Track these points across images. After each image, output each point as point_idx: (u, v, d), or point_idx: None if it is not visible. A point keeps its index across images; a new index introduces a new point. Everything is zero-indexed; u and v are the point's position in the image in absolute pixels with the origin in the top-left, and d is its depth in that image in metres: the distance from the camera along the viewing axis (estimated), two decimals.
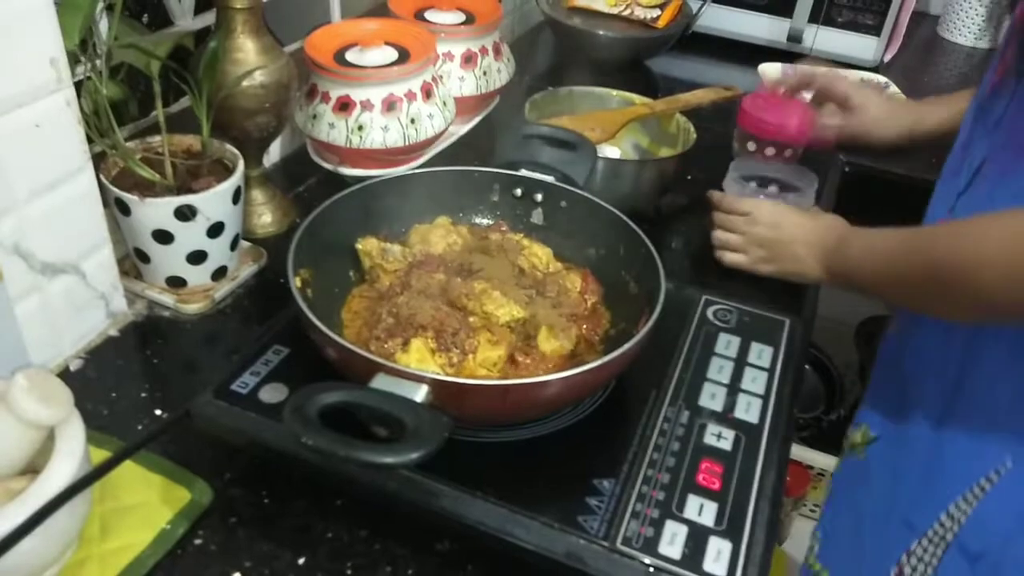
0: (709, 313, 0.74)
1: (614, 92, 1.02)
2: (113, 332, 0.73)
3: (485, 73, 1.05)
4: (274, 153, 0.98)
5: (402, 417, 0.49)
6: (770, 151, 1.01)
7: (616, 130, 0.96)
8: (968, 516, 0.64)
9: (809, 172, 0.94)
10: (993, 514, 0.63)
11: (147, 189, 0.71)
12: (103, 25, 0.70)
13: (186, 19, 0.86)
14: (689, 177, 1.00)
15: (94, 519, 0.56)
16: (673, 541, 0.54)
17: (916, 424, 0.71)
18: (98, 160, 0.68)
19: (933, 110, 0.97)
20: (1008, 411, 0.63)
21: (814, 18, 1.37)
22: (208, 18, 0.88)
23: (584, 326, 0.69)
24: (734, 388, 0.66)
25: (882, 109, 1.00)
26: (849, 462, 0.80)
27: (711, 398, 0.65)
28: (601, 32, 1.29)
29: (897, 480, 0.72)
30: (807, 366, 1.39)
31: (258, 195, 0.86)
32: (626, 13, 1.34)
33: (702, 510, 0.56)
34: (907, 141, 0.99)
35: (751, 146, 1.02)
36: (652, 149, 1.03)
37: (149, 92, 0.74)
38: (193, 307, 0.75)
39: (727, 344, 0.70)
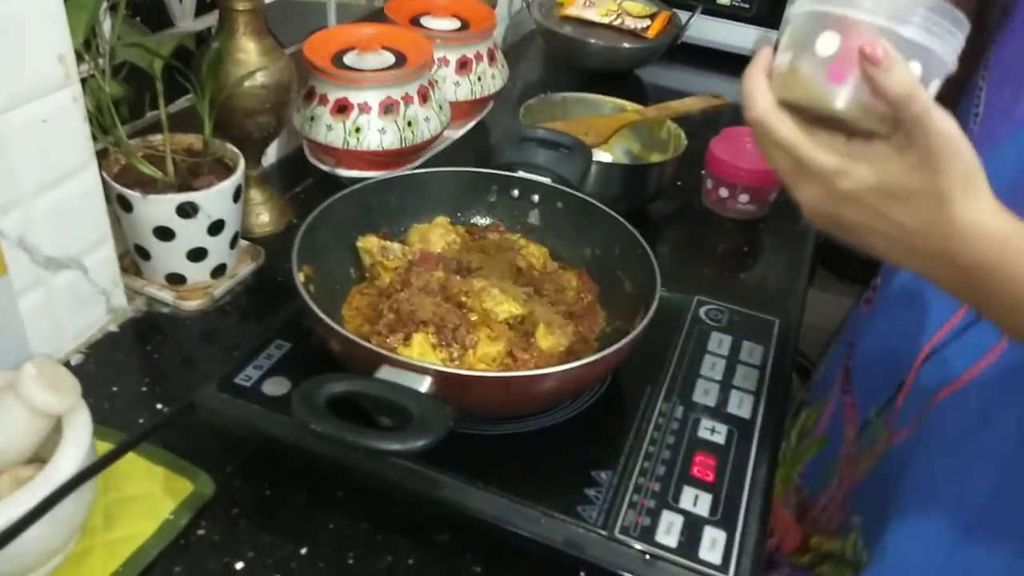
0: (701, 313, 0.76)
1: (606, 99, 1.04)
2: (113, 328, 0.73)
3: (480, 78, 1.07)
4: (271, 154, 0.99)
5: (407, 406, 0.50)
6: (744, 198, 0.97)
7: (609, 135, 0.98)
8: None
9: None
10: None
11: (149, 186, 0.72)
12: (106, 25, 0.71)
13: (187, 20, 0.87)
14: (679, 183, 1.02)
15: (98, 509, 0.56)
16: (669, 530, 0.55)
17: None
18: (100, 158, 0.69)
19: None
20: None
21: None
22: (208, 20, 0.89)
23: (580, 324, 0.70)
24: (727, 384, 0.68)
25: None
26: None
27: (704, 394, 0.66)
28: (592, 41, 1.31)
29: None
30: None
31: (256, 195, 0.87)
32: (617, 23, 1.36)
33: (697, 501, 0.57)
34: None
35: (723, 192, 0.98)
36: (643, 155, 1.05)
37: (143, 91, 0.74)
38: (192, 304, 0.76)
39: (719, 343, 0.72)
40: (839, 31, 0.46)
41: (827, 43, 0.47)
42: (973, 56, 0.62)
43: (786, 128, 0.48)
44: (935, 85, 0.47)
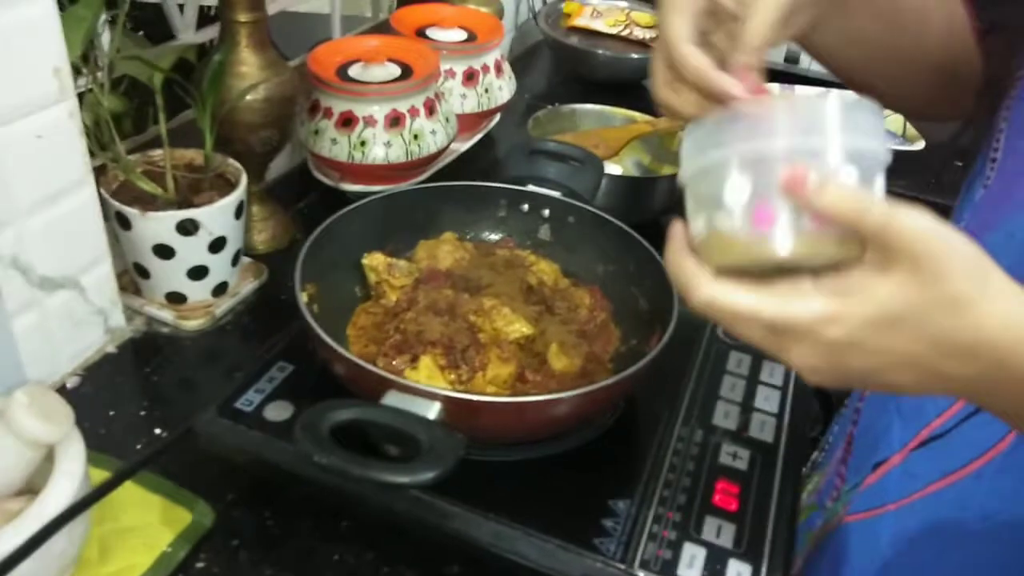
0: (719, 331, 0.73)
1: (616, 110, 1.02)
2: (111, 349, 0.71)
3: (487, 90, 1.05)
4: (274, 169, 0.97)
5: (416, 435, 0.48)
6: None
7: (619, 147, 0.96)
8: None
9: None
10: None
11: (148, 203, 0.70)
12: (105, 38, 0.69)
13: (188, 33, 0.85)
14: None
15: (92, 541, 0.54)
16: (692, 564, 0.52)
17: None
18: (98, 174, 0.67)
19: None
20: None
21: None
22: (210, 32, 0.87)
23: (594, 343, 0.68)
24: (747, 407, 0.65)
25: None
26: None
27: (724, 416, 0.64)
28: (600, 51, 1.29)
29: None
30: None
31: (258, 210, 0.85)
32: (625, 33, 1.34)
33: (720, 532, 0.55)
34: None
35: None
36: (654, 167, 1.02)
37: (143, 105, 0.73)
38: (193, 323, 0.74)
39: (738, 362, 0.69)
40: (745, 171, 0.38)
41: (737, 189, 0.39)
42: (994, 96, 0.57)
43: (741, 299, 0.39)
44: (880, 181, 0.39)
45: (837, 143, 0.38)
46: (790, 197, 0.37)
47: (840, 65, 0.62)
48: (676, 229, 0.42)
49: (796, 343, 0.39)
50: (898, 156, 1.28)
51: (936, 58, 0.62)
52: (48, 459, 0.50)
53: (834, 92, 0.40)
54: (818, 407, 1.72)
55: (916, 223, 0.36)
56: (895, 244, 0.36)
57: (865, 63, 0.62)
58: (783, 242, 0.38)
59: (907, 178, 1.13)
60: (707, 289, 0.40)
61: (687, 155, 0.41)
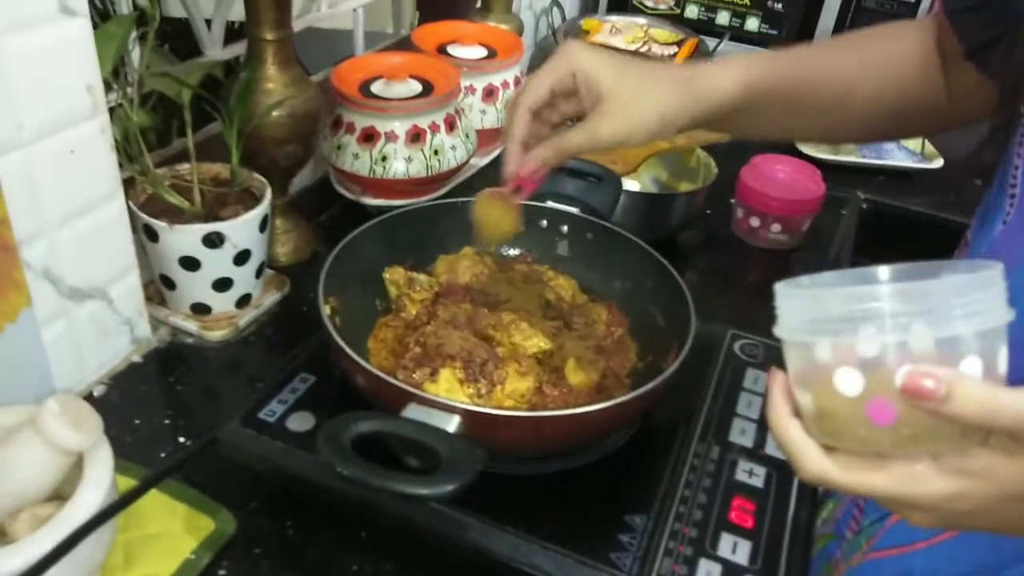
0: (736, 347, 0.73)
1: None
2: (137, 358, 0.72)
3: (506, 106, 1.06)
4: (297, 183, 0.98)
5: (436, 448, 0.49)
6: (776, 227, 0.95)
7: (638, 164, 0.97)
8: None
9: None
10: None
11: (175, 216, 0.71)
12: (135, 54, 0.71)
13: (215, 49, 0.87)
14: (709, 211, 1.01)
15: (118, 548, 0.55)
16: None
17: None
18: (127, 187, 0.69)
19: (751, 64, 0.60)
20: None
21: None
22: (237, 49, 0.89)
23: (611, 359, 0.68)
24: (764, 424, 0.65)
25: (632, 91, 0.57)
26: None
27: (741, 434, 0.64)
28: None
29: None
30: None
31: (281, 224, 0.86)
32: (643, 50, 1.35)
33: (736, 548, 0.55)
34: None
35: (754, 222, 0.96)
36: (672, 183, 1.03)
37: (169, 119, 0.74)
38: (217, 334, 0.75)
39: (755, 379, 0.70)
40: (855, 365, 0.35)
41: (849, 382, 0.36)
42: (1010, 123, 0.58)
43: (856, 480, 0.38)
44: (1003, 355, 0.36)
45: (958, 332, 0.35)
46: (915, 405, 0.35)
47: (766, 139, 0.65)
48: (777, 386, 0.40)
49: (916, 511, 0.39)
50: (916, 174, 1.27)
51: (874, 113, 0.63)
52: (77, 466, 0.51)
53: (951, 277, 0.35)
54: None
55: None
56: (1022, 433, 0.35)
57: (787, 138, 0.66)
58: (902, 438, 0.36)
59: (925, 195, 1.13)
60: (818, 467, 0.39)
61: (785, 309, 0.38)
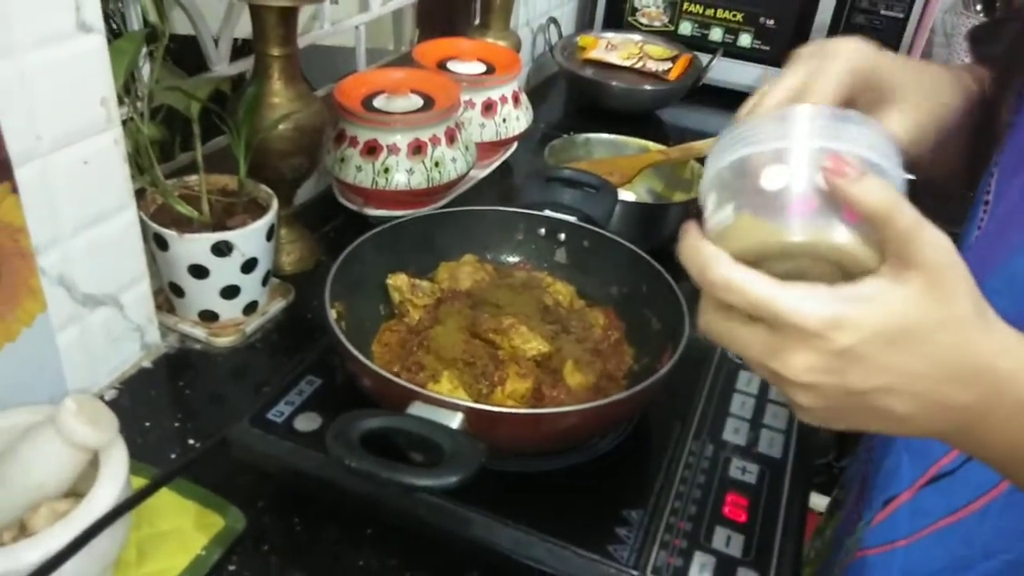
0: (729, 352, 0.75)
1: (630, 139, 1.06)
2: (147, 364, 0.74)
3: (504, 120, 1.09)
4: (301, 194, 1.01)
5: (440, 442, 0.51)
6: None
7: (633, 175, 0.99)
8: None
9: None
10: None
11: (184, 225, 0.74)
12: (145, 70, 0.73)
13: (223, 65, 0.90)
14: None
15: (131, 544, 0.57)
16: (702, 571, 0.55)
17: None
18: (137, 197, 0.71)
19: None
20: None
21: None
22: (243, 64, 0.91)
23: (608, 362, 0.70)
24: (756, 423, 0.67)
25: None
26: None
27: (735, 432, 0.66)
28: (614, 83, 1.33)
29: None
30: None
31: (286, 234, 0.88)
32: (638, 66, 1.38)
33: (729, 542, 0.57)
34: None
35: None
36: (666, 194, 1.06)
37: (175, 132, 0.76)
38: (224, 340, 0.77)
39: (748, 381, 0.72)
40: (785, 161, 0.39)
41: (774, 176, 0.39)
42: (986, 138, 0.57)
43: (759, 283, 0.38)
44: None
45: (868, 156, 0.38)
46: (829, 184, 0.37)
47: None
48: (691, 224, 0.41)
49: (799, 351, 0.37)
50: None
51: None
52: (92, 464, 0.53)
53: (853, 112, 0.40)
54: (833, 434, 1.73)
55: (940, 239, 0.36)
56: (917, 254, 0.36)
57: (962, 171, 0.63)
58: (811, 229, 0.38)
59: (912, 203, 1.16)
60: (725, 269, 0.38)
61: (721, 149, 0.41)
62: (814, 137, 0.39)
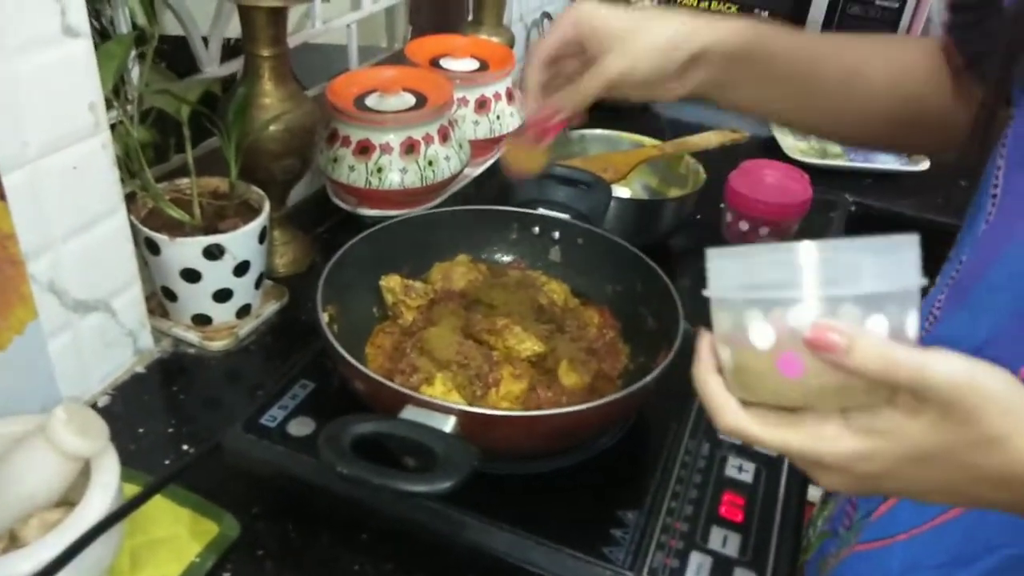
0: None
1: (624, 135, 1.05)
2: (140, 369, 0.74)
3: (498, 117, 1.08)
4: (294, 195, 1.00)
5: (432, 447, 0.50)
6: (765, 231, 0.97)
7: (627, 171, 0.99)
8: None
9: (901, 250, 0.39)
10: None
11: (176, 229, 0.73)
12: (134, 72, 0.73)
13: (213, 66, 0.89)
14: (699, 216, 1.03)
15: (124, 552, 0.56)
16: (699, 572, 0.54)
17: None
18: (128, 201, 0.70)
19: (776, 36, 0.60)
20: None
21: None
22: (234, 66, 0.91)
23: (603, 361, 0.70)
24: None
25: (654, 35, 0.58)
26: None
27: None
28: None
29: None
30: None
31: (279, 235, 0.88)
32: None
33: (726, 541, 0.57)
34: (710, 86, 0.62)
35: (744, 226, 0.98)
36: (662, 189, 1.05)
37: (167, 135, 0.76)
38: (218, 344, 0.77)
39: None
40: (769, 320, 0.38)
41: (762, 335, 0.38)
42: (990, 132, 0.56)
43: (768, 434, 0.40)
44: (912, 318, 0.37)
45: (865, 293, 0.37)
46: (820, 357, 0.37)
47: (769, 118, 0.66)
48: (704, 344, 0.42)
49: (827, 473, 0.40)
50: (903, 176, 1.29)
51: (880, 106, 0.63)
52: (84, 473, 0.53)
53: (863, 239, 0.37)
54: None
55: (948, 372, 0.36)
56: (927, 392, 0.36)
57: (790, 120, 0.67)
58: (810, 391, 0.38)
59: (912, 197, 1.15)
60: (733, 419, 0.41)
61: (714, 278, 0.41)
62: (797, 286, 0.37)
